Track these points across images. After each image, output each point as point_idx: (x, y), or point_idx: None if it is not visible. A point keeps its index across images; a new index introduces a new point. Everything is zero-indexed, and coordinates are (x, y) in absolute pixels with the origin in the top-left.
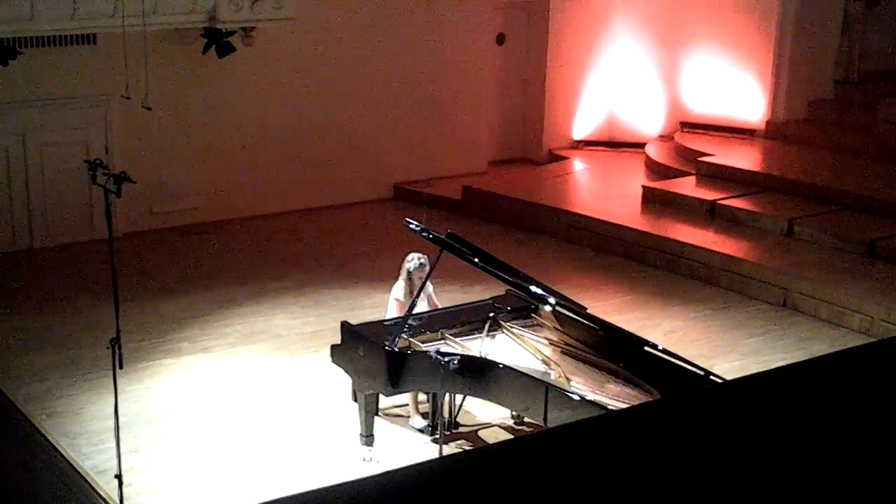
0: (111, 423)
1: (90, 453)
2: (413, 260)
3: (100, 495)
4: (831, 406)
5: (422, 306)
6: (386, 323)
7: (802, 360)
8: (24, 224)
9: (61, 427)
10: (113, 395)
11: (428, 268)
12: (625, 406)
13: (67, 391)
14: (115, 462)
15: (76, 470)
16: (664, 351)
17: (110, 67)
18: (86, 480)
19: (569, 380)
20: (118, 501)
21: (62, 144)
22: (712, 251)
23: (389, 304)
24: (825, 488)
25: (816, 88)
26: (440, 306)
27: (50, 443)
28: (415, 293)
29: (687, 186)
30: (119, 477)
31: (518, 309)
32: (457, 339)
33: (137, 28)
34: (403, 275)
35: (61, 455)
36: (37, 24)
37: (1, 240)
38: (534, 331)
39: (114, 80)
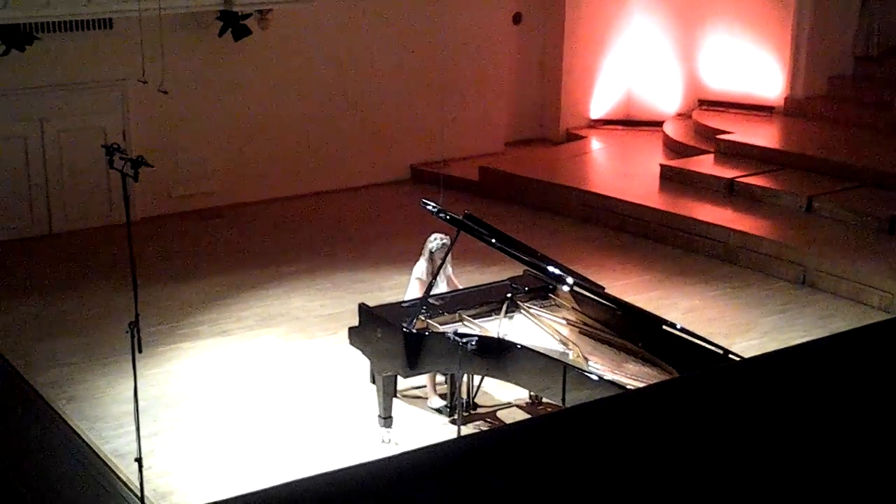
0: (131, 406)
1: (110, 437)
2: (436, 240)
3: (120, 478)
4: (851, 383)
5: (441, 287)
6: (403, 304)
7: (822, 337)
8: (42, 209)
9: (81, 411)
10: (132, 378)
11: (448, 249)
12: (643, 386)
13: (87, 375)
14: (134, 445)
15: (96, 453)
16: (682, 330)
17: (127, 52)
18: (106, 464)
19: (587, 360)
20: (138, 484)
21: (80, 129)
22: (731, 229)
23: (411, 283)
24: (845, 465)
25: (836, 64)
26: (460, 287)
27: (70, 427)
28: (434, 273)
29: (705, 164)
30: (139, 460)
31: (536, 289)
32: (474, 320)
33: (153, 12)
34: (426, 255)
35: (81, 439)
36: (53, 9)
37: (20, 225)
38: (551, 311)
39: (130, 64)
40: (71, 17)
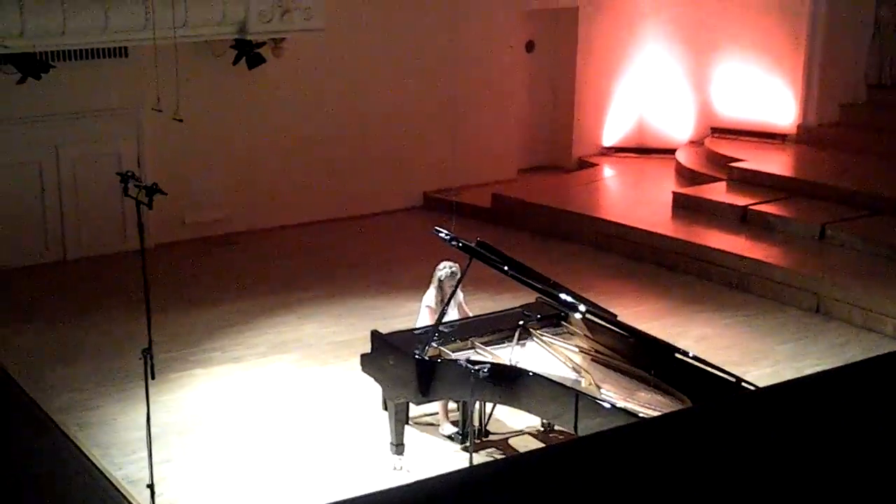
0: (143, 433)
1: (122, 463)
2: (444, 268)
3: None
4: (866, 412)
5: (452, 315)
6: (416, 332)
7: (836, 366)
8: (57, 236)
9: (94, 437)
10: (145, 405)
11: (459, 276)
12: (656, 414)
13: (100, 402)
14: (147, 472)
15: (109, 480)
16: (695, 358)
17: (142, 80)
18: (118, 490)
19: (599, 387)
20: None
21: (95, 157)
22: (744, 257)
23: (421, 311)
24: (860, 495)
25: (848, 92)
26: (470, 314)
27: (83, 453)
28: (446, 301)
29: (718, 192)
30: (151, 487)
31: (548, 317)
32: (487, 348)
33: (168, 41)
34: (435, 283)
35: (94, 465)
36: (69, 37)
37: (34, 251)
38: (564, 338)
39: (145, 92)
40: (86, 45)
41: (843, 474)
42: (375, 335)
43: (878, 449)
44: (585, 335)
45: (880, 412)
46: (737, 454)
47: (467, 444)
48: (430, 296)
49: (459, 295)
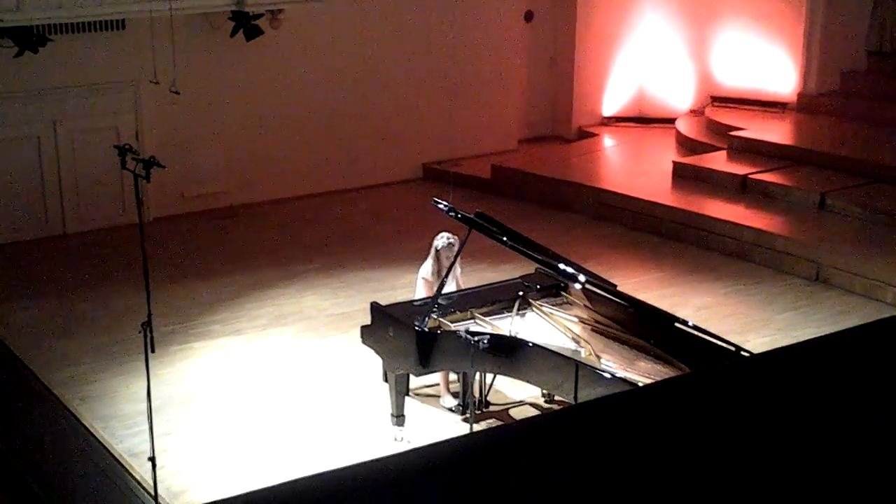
0: (144, 406)
1: (123, 436)
2: (442, 238)
3: (134, 477)
4: (862, 378)
5: (451, 286)
6: (415, 303)
7: (832, 332)
8: (56, 209)
9: (95, 411)
10: (145, 378)
11: (457, 248)
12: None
13: (100, 375)
14: (148, 445)
15: (110, 453)
16: (695, 327)
17: (139, 53)
18: (119, 463)
19: (599, 357)
20: (152, 483)
21: (93, 130)
22: (744, 226)
23: (418, 283)
24: (857, 460)
25: (849, 60)
26: (463, 287)
27: (84, 426)
28: (443, 273)
29: (718, 161)
30: (152, 459)
31: (548, 287)
32: (487, 318)
33: (165, 13)
34: (432, 253)
35: (95, 438)
36: (66, 10)
37: (33, 225)
38: (564, 309)
39: (142, 65)
40: (83, 18)
41: (839, 438)
42: (375, 307)
43: (873, 413)
44: (585, 305)
45: (876, 377)
46: (734, 420)
47: (468, 414)
48: (427, 267)
49: (457, 267)
